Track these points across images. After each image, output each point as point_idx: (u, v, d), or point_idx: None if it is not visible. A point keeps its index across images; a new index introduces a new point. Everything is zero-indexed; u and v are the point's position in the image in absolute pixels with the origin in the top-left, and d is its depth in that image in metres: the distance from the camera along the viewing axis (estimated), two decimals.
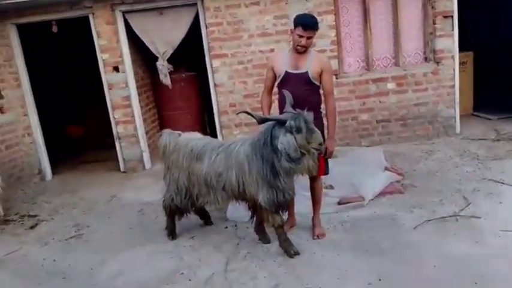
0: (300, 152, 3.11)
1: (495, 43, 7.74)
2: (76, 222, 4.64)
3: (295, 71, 3.46)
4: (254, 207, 3.55)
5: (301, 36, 3.34)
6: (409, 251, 3.32)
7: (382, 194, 4.43)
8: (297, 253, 3.40)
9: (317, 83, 3.48)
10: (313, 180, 3.69)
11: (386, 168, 4.91)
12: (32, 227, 4.62)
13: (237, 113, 4.37)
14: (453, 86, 6.22)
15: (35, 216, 4.92)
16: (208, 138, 3.79)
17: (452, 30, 6.06)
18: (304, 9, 5.91)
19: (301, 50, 3.41)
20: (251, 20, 5.87)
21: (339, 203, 4.26)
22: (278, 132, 3.14)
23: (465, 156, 5.36)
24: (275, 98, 3.75)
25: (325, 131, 3.59)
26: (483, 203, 4.00)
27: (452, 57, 6.13)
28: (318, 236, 3.65)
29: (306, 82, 3.45)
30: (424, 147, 5.89)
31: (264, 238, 3.68)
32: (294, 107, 3.24)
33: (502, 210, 3.84)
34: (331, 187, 4.61)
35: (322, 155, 3.47)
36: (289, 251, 3.41)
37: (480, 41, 7.59)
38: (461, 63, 6.72)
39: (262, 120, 3.28)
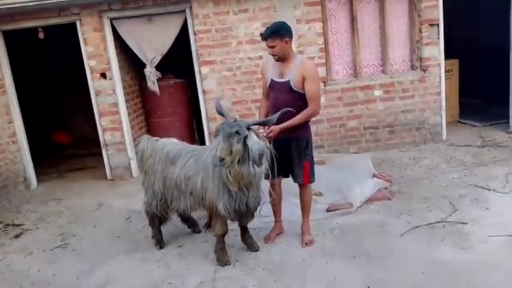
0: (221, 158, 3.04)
1: (480, 51, 7.89)
2: (62, 231, 4.57)
3: (280, 80, 3.50)
4: (211, 217, 3.54)
5: (268, 47, 3.42)
6: (397, 257, 3.34)
7: (370, 200, 4.45)
8: (228, 263, 3.46)
9: (301, 91, 3.47)
10: (301, 187, 3.70)
11: (374, 175, 4.92)
12: (16, 236, 4.54)
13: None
14: (439, 93, 6.29)
15: (20, 225, 4.84)
16: (184, 144, 3.82)
17: (438, 38, 6.15)
18: (292, 16, 5.95)
19: (276, 59, 3.47)
20: (240, 27, 5.88)
21: (328, 210, 4.27)
22: None
23: (452, 163, 5.42)
24: None
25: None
26: (470, 209, 4.05)
27: (439, 64, 6.21)
28: (306, 244, 3.65)
29: (288, 91, 3.46)
30: (411, 154, 5.95)
31: (252, 246, 3.67)
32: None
33: (488, 216, 3.88)
34: (320, 194, 4.61)
35: (305, 158, 3.50)
36: (221, 259, 3.49)
37: (465, 48, 7.72)
38: (447, 71, 6.81)
39: (218, 111, 3.40)
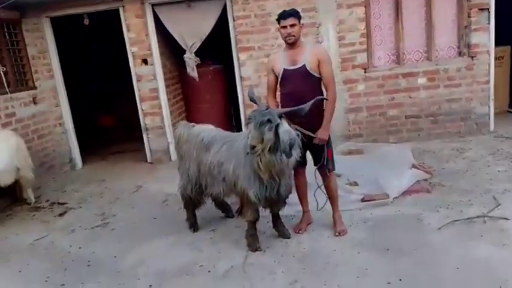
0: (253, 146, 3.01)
1: None
2: (102, 211, 4.77)
3: (293, 67, 3.45)
4: (243, 203, 3.55)
5: (284, 27, 3.39)
6: (431, 251, 3.22)
7: (409, 192, 4.31)
8: (259, 249, 3.47)
9: (316, 74, 3.43)
10: (325, 177, 3.63)
11: (413, 166, 4.77)
12: (60, 215, 4.78)
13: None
14: (488, 82, 5.98)
15: (64, 204, 5.09)
16: (220, 130, 3.83)
17: (489, 23, 5.81)
18: (333, 1, 5.82)
19: (291, 40, 3.41)
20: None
21: (363, 200, 4.18)
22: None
23: (497, 155, 5.15)
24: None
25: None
26: None
27: (488, 51, 5.89)
28: (339, 233, 3.60)
29: (304, 76, 3.41)
30: (454, 145, 5.70)
31: (283, 234, 3.67)
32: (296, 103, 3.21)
33: None
34: (356, 184, 4.54)
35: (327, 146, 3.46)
36: (252, 245, 3.50)
37: None
38: (497, 58, 6.45)
39: (250, 97, 3.45)
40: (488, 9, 5.74)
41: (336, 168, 3.66)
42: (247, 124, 3.08)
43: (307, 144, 3.41)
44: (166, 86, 6.44)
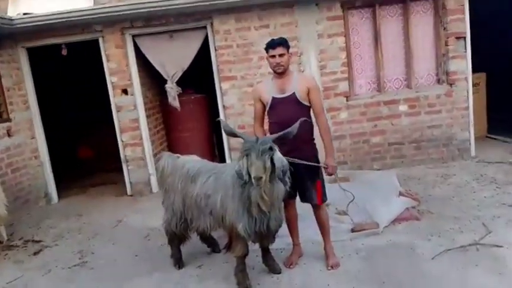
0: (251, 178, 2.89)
1: (508, 63, 7.64)
2: (81, 248, 4.52)
3: (282, 95, 3.39)
4: (231, 238, 3.40)
5: (273, 57, 3.35)
6: (429, 283, 3.14)
7: (398, 220, 4.25)
8: (249, 286, 3.29)
9: (306, 103, 3.39)
10: (316, 208, 3.54)
11: (400, 193, 4.74)
12: (35, 253, 4.51)
13: (216, 120, 3.95)
14: (467, 108, 6.07)
15: (39, 241, 4.81)
16: (205, 161, 3.72)
17: (465, 51, 5.95)
18: (314, 31, 5.88)
19: (280, 70, 3.37)
20: (261, 43, 5.73)
21: (353, 230, 4.09)
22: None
23: (482, 181, 5.18)
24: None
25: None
26: (504, 231, 3.81)
27: (466, 78, 6.01)
28: (332, 267, 3.48)
29: (294, 104, 3.36)
30: (438, 171, 5.72)
31: (273, 268, 3.52)
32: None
33: None
34: (345, 213, 4.44)
35: (318, 177, 3.39)
36: (242, 283, 3.32)
37: (492, 61, 7.49)
38: (474, 85, 6.57)
39: (228, 132, 3.27)
40: (464, 37, 5.90)
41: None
42: (245, 156, 2.90)
43: (297, 176, 3.31)
44: (147, 116, 6.31)
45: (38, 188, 6.17)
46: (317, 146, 3.51)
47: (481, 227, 3.93)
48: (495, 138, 6.96)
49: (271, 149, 2.88)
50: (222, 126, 3.33)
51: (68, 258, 4.30)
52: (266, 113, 3.54)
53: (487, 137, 7.11)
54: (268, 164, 2.87)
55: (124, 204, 5.88)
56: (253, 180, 2.84)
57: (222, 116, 6.12)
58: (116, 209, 5.68)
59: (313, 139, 3.48)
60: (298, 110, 3.35)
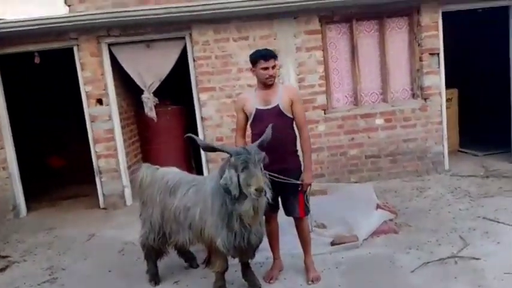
0: (242, 192, 2.85)
1: (479, 78, 7.90)
2: (51, 264, 4.33)
3: (266, 107, 3.37)
4: (210, 254, 3.33)
5: (266, 68, 3.31)
6: None
7: (376, 233, 4.26)
8: None
9: (289, 115, 3.38)
10: (298, 221, 3.50)
11: (378, 206, 4.76)
12: (2, 270, 4.29)
13: (185, 136, 3.77)
14: (441, 123, 6.21)
15: (6, 257, 4.58)
16: (185, 173, 3.64)
17: (439, 67, 6.11)
18: (293, 44, 5.92)
19: (271, 81, 3.35)
20: (240, 54, 5.80)
21: (333, 244, 4.06)
22: (225, 166, 2.97)
23: (456, 194, 5.27)
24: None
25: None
26: (481, 243, 3.87)
27: (440, 93, 6.16)
28: (313, 281, 3.43)
29: (277, 116, 3.33)
30: (414, 184, 5.80)
31: (253, 284, 3.43)
32: (268, 143, 3.05)
33: (501, 250, 3.71)
34: (323, 226, 4.43)
35: (300, 190, 3.35)
36: None
37: (464, 77, 7.72)
38: (446, 100, 6.74)
39: (205, 147, 3.28)
40: (438, 53, 6.06)
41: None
42: (243, 169, 2.80)
43: (279, 189, 3.27)
44: (123, 127, 6.17)
45: (5, 201, 5.90)
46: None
47: (458, 240, 3.98)
48: (466, 152, 7.13)
49: (264, 158, 2.86)
50: (198, 143, 3.22)
51: (37, 274, 4.10)
52: (249, 124, 3.49)
53: (459, 151, 7.28)
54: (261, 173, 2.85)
55: (97, 218, 5.69)
56: (254, 192, 2.76)
57: (199, 128, 6.05)
58: (88, 223, 5.48)
59: (297, 150, 3.46)
60: (281, 122, 3.32)
